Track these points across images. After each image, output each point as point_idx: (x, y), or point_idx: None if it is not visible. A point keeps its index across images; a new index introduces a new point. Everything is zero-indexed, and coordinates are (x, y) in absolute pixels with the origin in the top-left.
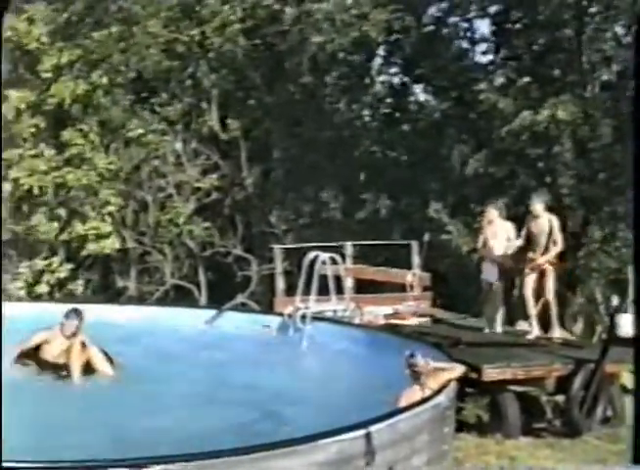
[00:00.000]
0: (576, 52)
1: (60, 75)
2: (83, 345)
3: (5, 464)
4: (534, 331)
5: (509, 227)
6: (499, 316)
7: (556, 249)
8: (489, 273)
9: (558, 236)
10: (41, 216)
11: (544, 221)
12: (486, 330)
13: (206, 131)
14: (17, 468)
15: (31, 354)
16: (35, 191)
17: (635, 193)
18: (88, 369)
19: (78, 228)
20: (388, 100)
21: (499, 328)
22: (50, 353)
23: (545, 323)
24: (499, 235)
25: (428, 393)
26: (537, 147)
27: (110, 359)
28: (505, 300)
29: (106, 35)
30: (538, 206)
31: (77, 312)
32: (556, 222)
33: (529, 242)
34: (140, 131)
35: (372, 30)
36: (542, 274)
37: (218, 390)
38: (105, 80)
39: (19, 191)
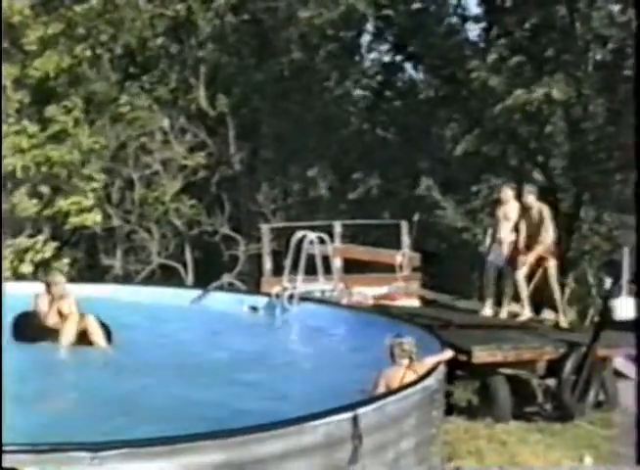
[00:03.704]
0: (570, 30)
1: (44, 49)
2: (81, 314)
3: None
4: (526, 313)
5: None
6: (507, 300)
7: (520, 235)
8: (498, 256)
9: (521, 224)
10: (22, 194)
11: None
12: (485, 313)
13: (194, 108)
14: None
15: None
16: (19, 174)
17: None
18: (84, 339)
19: (61, 203)
20: (379, 77)
21: (505, 312)
22: (51, 319)
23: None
24: (510, 217)
25: (410, 374)
26: (530, 126)
27: (108, 332)
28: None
29: (88, 8)
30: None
31: (59, 276)
32: (547, 214)
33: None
34: (129, 107)
35: (359, 3)
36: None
37: (202, 370)
38: (89, 53)
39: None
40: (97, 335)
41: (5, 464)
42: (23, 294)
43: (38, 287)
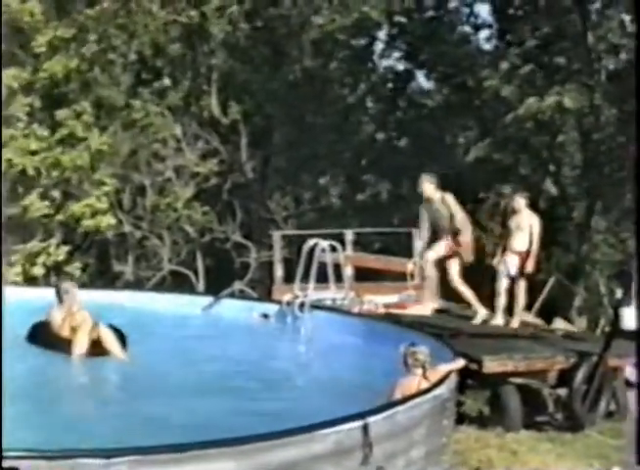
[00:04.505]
0: (582, 40)
1: (54, 53)
2: (95, 324)
3: None
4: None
5: (534, 219)
6: (518, 310)
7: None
8: (510, 265)
9: (457, 215)
10: (34, 197)
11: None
12: (497, 322)
13: (206, 115)
14: None
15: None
16: (30, 171)
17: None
18: (99, 350)
19: (73, 207)
20: (391, 85)
21: (516, 322)
22: (64, 331)
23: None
24: (523, 226)
25: (424, 384)
26: (541, 136)
27: (122, 338)
28: None
29: (99, 11)
30: (427, 186)
31: (72, 285)
32: (452, 201)
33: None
34: (142, 114)
35: (373, 12)
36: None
37: (214, 378)
38: (99, 56)
39: (12, 171)
40: (112, 344)
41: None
42: (35, 298)
43: (50, 293)
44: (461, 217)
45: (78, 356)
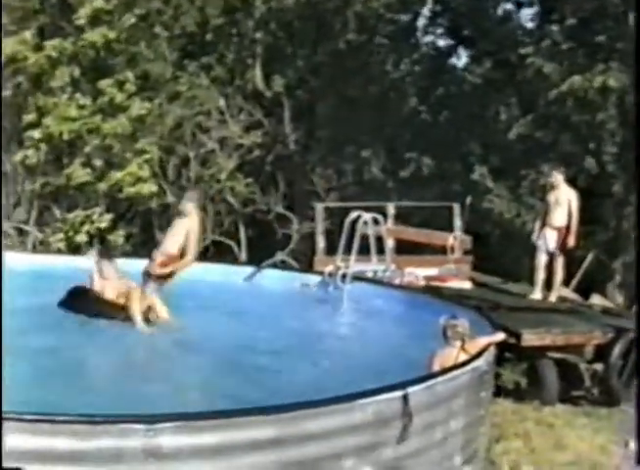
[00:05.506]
0: (623, 19)
1: (96, 25)
2: (142, 292)
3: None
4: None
5: (572, 194)
6: (557, 285)
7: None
8: (549, 240)
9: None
10: (77, 165)
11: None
12: (535, 296)
13: (251, 88)
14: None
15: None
16: (65, 136)
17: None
18: (146, 314)
19: (116, 175)
20: (433, 61)
21: (554, 297)
22: (109, 294)
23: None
24: (562, 201)
25: (463, 356)
26: (582, 113)
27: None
28: None
29: None
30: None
31: (107, 253)
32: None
33: None
34: (187, 86)
35: None
36: None
37: (256, 347)
38: (144, 29)
39: (54, 140)
40: (163, 310)
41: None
42: (79, 267)
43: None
44: None
45: (140, 322)
